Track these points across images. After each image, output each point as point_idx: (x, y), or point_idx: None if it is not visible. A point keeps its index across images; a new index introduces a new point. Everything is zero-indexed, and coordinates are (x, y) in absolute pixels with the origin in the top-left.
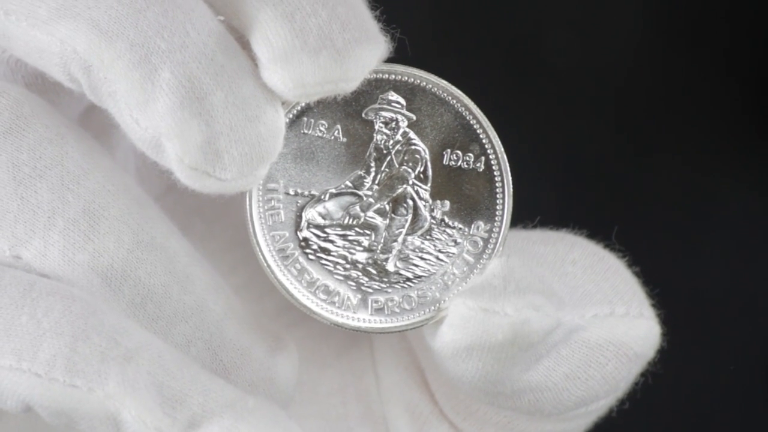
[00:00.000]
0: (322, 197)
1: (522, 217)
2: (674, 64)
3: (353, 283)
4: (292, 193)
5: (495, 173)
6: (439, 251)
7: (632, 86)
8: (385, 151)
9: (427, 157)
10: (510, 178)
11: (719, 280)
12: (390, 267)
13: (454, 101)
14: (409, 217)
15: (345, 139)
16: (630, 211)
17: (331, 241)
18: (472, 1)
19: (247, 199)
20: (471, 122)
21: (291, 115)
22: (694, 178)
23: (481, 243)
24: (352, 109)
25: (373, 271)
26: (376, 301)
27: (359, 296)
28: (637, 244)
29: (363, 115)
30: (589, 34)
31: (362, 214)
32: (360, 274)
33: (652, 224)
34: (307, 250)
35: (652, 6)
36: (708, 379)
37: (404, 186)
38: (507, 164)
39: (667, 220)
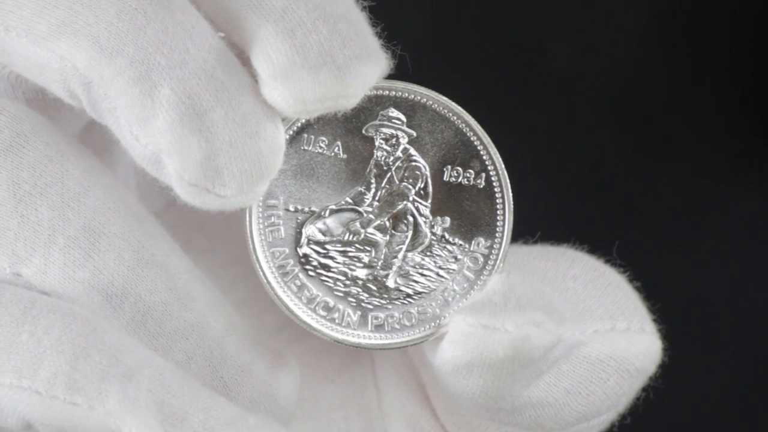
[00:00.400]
0: (323, 213)
1: (523, 230)
2: (675, 69)
3: (353, 300)
4: (292, 209)
5: (495, 189)
6: (440, 267)
7: (634, 93)
8: (385, 168)
9: (428, 173)
10: (510, 194)
11: (721, 294)
12: (390, 283)
13: (455, 117)
14: (410, 234)
15: (345, 156)
16: (631, 223)
17: (331, 258)
18: (472, 13)
19: (247, 215)
20: (471, 138)
21: (291, 132)
22: (696, 185)
23: (481, 259)
24: (353, 125)
25: (374, 288)
26: (376, 318)
27: (359, 313)
28: (638, 258)
29: (363, 132)
30: (590, 42)
31: (362, 231)
32: (360, 290)
33: (654, 237)
34: (307, 267)
35: (654, 12)
36: (709, 393)
37: (404, 202)
38: (507, 180)
39: (668, 231)
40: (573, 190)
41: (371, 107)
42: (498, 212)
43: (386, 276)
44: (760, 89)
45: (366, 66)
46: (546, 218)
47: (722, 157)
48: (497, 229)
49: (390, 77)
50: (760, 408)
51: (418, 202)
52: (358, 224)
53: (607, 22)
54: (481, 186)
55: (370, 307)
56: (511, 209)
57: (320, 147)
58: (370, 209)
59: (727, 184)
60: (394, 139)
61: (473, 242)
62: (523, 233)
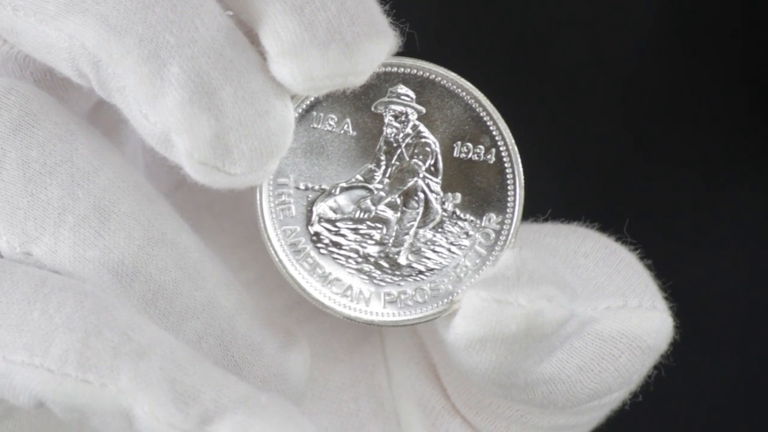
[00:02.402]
0: (333, 191)
1: (531, 212)
2: (683, 62)
3: (365, 277)
4: (302, 187)
5: (506, 165)
6: (451, 244)
7: (640, 87)
8: (395, 145)
9: (438, 149)
10: (521, 169)
11: (729, 273)
12: (402, 260)
13: (464, 93)
14: (421, 210)
15: (355, 133)
16: (638, 207)
17: (343, 235)
18: (479, 6)
19: (258, 194)
20: (481, 114)
21: (300, 110)
22: (703, 173)
23: (493, 235)
24: (362, 102)
25: (385, 265)
26: (389, 295)
27: (371, 290)
28: (647, 237)
29: (372, 109)
30: (597, 34)
31: (373, 208)
32: (372, 267)
33: (662, 218)
34: (319, 245)
35: (662, 7)
36: (720, 371)
37: (415, 179)
38: (518, 156)
39: (676, 213)
40: (577, 184)
41: (380, 84)
42: (509, 187)
43: (398, 253)
44: None
45: (374, 43)
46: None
47: (730, 151)
48: (508, 204)
49: (398, 56)
50: (763, 402)
51: (428, 178)
52: (368, 201)
53: (615, 16)
54: (492, 161)
55: (382, 284)
56: (522, 184)
57: (330, 125)
58: (380, 186)
59: (735, 170)
60: (403, 116)
61: (484, 218)
62: (532, 213)
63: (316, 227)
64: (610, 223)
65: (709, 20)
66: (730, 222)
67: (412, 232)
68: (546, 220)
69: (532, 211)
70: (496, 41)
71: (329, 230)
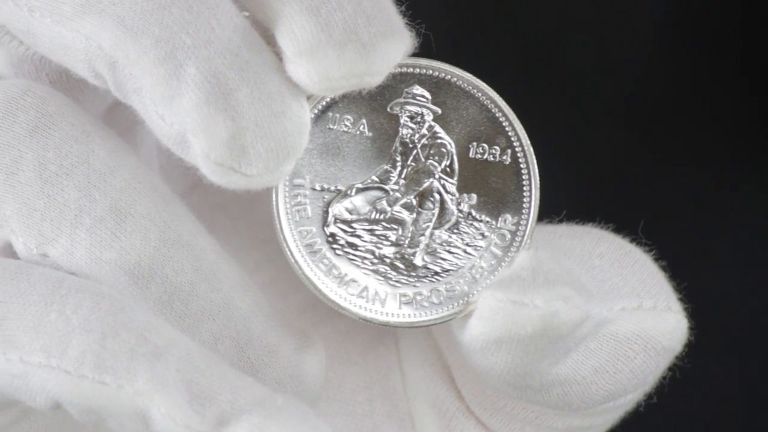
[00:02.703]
0: (349, 192)
1: (547, 212)
2: (690, 64)
3: (381, 278)
4: (318, 188)
5: (521, 166)
6: (467, 245)
7: (648, 89)
8: (410, 145)
9: (453, 150)
10: (536, 170)
11: (734, 289)
12: (418, 261)
13: (480, 94)
14: (436, 211)
15: (371, 134)
16: (654, 207)
17: (359, 236)
18: (487, 9)
19: (274, 195)
20: (497, 115)
21: (316, 111)
22: (712, 173)
23: (508, 236)
24: (378, 103)
25: (401, 266)
26: (405, 296)
27: (387, 291)
28: (662, 237)
29: (388, 110)
30: (605, 36)
31: (389, 209)
32: (388, 268)
33: (672, 219)
34: (335, 246)
35: (669, 10)
36: (731, 372)
37: (431, 180)
38: (533, 157)
39: (685, 215)
40: (584, 185)
41: (396, 85)
42: (524, 188)
43: (413, 254)
44: None
45: (391, 43)
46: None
47: (738, 152)
48: (524, 205)
49: (414, 56)
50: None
51: (444, 179)
52: (384, 202)
53: (622, 18)
54: (507, 162)
55: (398, 285)
56: (538, 185)
57: (345, 125)
58: (396, 187)
59: (745, 171)
60: (419, 117)
61: (500, 219)
62: (546, 214)
63: (331, 228)
64: (625, 219)
65: (715, 22)
66: (739, 223)
67: (427, 233)
68: (561, 221)
69: (547, 209)
70: (504, 43)
71: (345, 231)
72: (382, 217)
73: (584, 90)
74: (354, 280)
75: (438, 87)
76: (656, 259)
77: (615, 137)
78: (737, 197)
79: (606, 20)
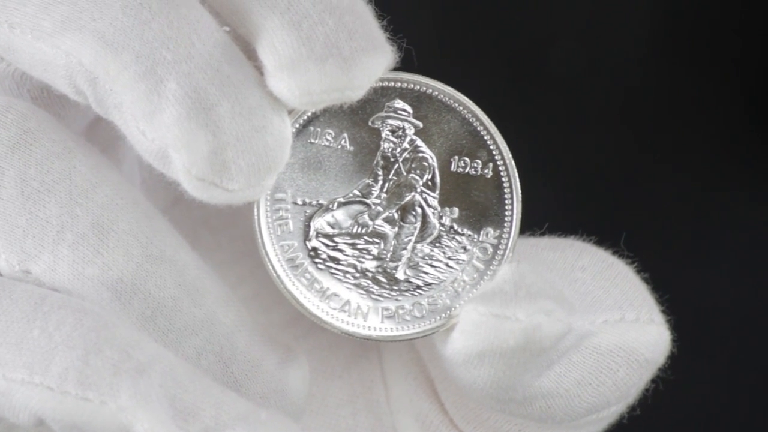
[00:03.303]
0: (330, 206)
1: (528, 223)
2: (680, 71)
3: (363, 292)
4: (300, 202)
5: (503, 179)
6: (449, 258)
7: (639, 95)
8: (392, 159)
9: (435, 164)
10: (518, 183)
11: (726, 285)
12: (400, 275)
13: (461, 108)
14: (418, 225)
15: (352, 148)
16: (636, 218)
17: (340, 250)
18: (476, 11)
19: (255, 209)
20: (478, 128)
21: (298, 125)
22: (700, 184)
23: (490, 249)
24: (359, 117)
25: (383, 280)
26: (387, 309)
27: (369, 305)
28: (645, 250)
29: (370, 124)
30: (594, 43)
31: (371, 223)
32: (370, 282)
33: (659, 230)
34: (317, 260)
35: (658, 14)
36: (718, 384)
37: (412, 194)
38: (515, 170)
39: (673, 225)
40: (575, 193)
41: (377, 99)
42: (506, 202)
43: (396, 268)
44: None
45: (372, 58)
46: (550, 214)
47: (728, 158)
48: (506, 218)
49: (396, 70)
50: (761, 409)
51: (426, 193)
52: (366, 216)
53: (612, 23)
54: (489, 176)
55: (380, 299)
56: (519, 198)
57: (327, 140)
58: (378, 201)
59: (733, 182)
60: (400, 131)
61: (482, 232)
62: (529, 226)
63: (313, 242)
64: (607, 231)
65: (708, 26)
66: (729, 230)
67: (409, 246)
68: (543, 233)
69: (529, 222)
70: (492, 51)
71: (327, 245)
72: (363, 231)
73: (570, 98)
74: (336, 294)
75: (419, 101)
76: (639, 271)
77: (602, 144)
78: (727, 203)
79: (594, 26)
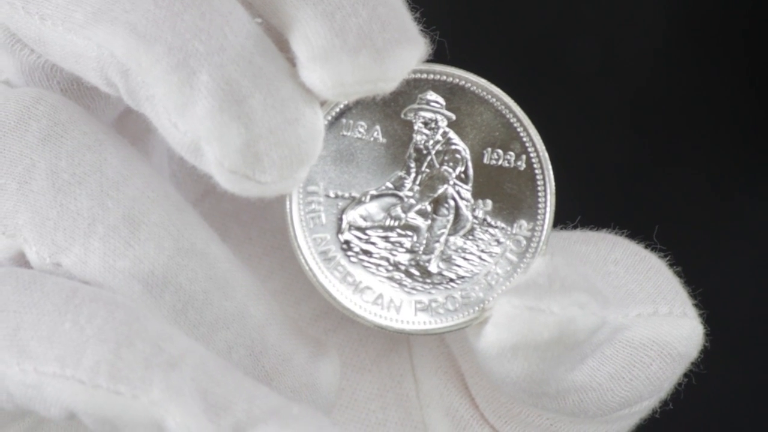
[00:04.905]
0: (363, 199)
1: (559, 219)
2: (696, 68)
3: (396, 285)
4: (332, 195)
5: (536, 171)
6: (482, 251)
7: (655, 92)
8: (425, 152)
9: (468, 156)
10: (552, 175)
11: (741, 294)
12: (433, 268)
13: (494, 100)
14: (451, 218)
15: (384, 140)
16: (663, 212)
17: (373, 243)
18: (493, 12)
19: (288, 202)
20: (511, 120)
21: (330, 117)
22: (720, 179)
23: (524, 242)
24: (391, 109)
25: (416, 273)
26: (420, 303)
27: (402, 298)
28: (676, 242)
29: (402, 116)
30: (611, 38)
31: (403, 216)
32: (403, 275)
33: (688, 223)
34: (349, 253)
35: (674, 12)
36: (749, 379)
37: (445, 186)
38: (548, 162)
39: (697, 221)
40: (595, 191)
41: (410, 91)
42: (539, 194)
43: (428, 261)
44: None
45: (405, 49)
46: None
47: (741, 157)
48: (539, 211)
49: (428, 62)
50: None
51: (458, 185)
52: (399, 209)
53: (628, 22)
54: (522, 168)
55: (413, 292)
56: (553, 191)
57: (359, 132)
58: (410, 194)
59: (755, 176)
60: (433, 123)
61: (515, 225)
62: (560, 220)
63: (346, 235)
64: (632, 228)
65: (723, 26)
66: (749, 228)
67: (442, 239)
68: (575, 227)
69: (558, 218)
70: (509, 49)
71: (359, 238)
72: (396, 223)
73: (592, 93)
74: (369, 288)
75: (452, 93)
76: (671, 265)
77: (625, 140)
78: (751, 200)
79: (610, 23)
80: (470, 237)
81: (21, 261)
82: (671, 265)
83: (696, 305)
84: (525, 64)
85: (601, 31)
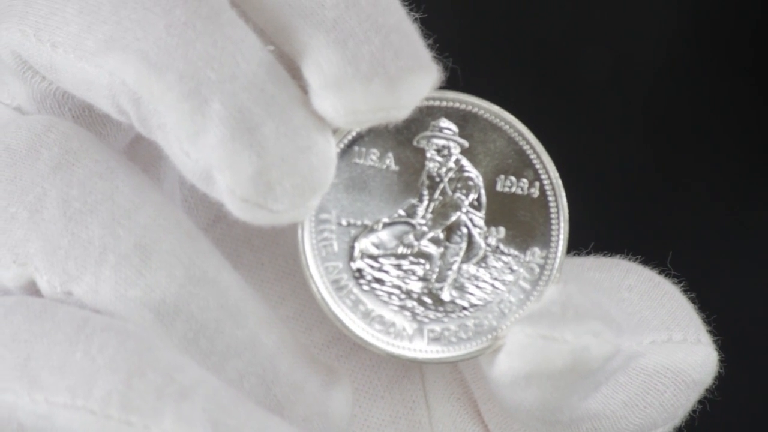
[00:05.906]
0: (375, 227)
1: (571, 245)
2: (707, 78)
3: (408, 313)
4: (344, 223)
5: (549, 199)
6: (495, 279)
7: (666, 101)
8: (437, 179)
9: (481, 183)
10: (565, 203)
11: (756, 307)
12: (445, 296)
13: (507, 126)
14: (464, 245)
15: (397, 168)
16: (676, 235)
17: (385, 271)
18: (503, 22)
19: (300, 230)
20: (524, 148)
21: (342, 145)
22: (732, 196)
23: (537, 269)
24: (404, 137)
25: (429, 301)
26: (432, 331)
27: (415, 326)
28: (690, 269)
29: (415, 143)
30: (621, 50)
31: (416, 243)
32: (415, 303)
33: (699, 248)
34: (361, 281)
35: (685, 20)
36: (764, 405)
37: (458, 213)
38: (562, 189)
39: (712, 241)
40: (603, 202)
41: (422, 118)
42: (552, 222)
43: (441, 288)
44: None
45: (418, 77)
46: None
47: (756, 170)
48: (552, 238)
49: (441, 89)
50: None
51: (471, 212)
52: (411, 237)
53: (639, 30)
54: (535, 195)
55: (426, 320)
56: (566, 218)
57: (372, 159)
58: (423, 221)
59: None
60: (446, 150)
61: (528, 252)
62: (573, 247)
63: (358, 263)
64: (646, 253)
65: (733, 35)
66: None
67: (455, 267)
68: (588, 253)
69: (570, 244)
70: (520, 60)
71: (372, 266)
72: (409, 251)
73: (604, 109)
74: (381, 316)
75: (465, 120)
76: (685, 291)
77: (627, 154)
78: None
79: (620, 34)
80: (483, 265)
81: (32, 290)
82: (685, 291)
83: (710, 331)
84: (536, 79)
85: (613, 44)
